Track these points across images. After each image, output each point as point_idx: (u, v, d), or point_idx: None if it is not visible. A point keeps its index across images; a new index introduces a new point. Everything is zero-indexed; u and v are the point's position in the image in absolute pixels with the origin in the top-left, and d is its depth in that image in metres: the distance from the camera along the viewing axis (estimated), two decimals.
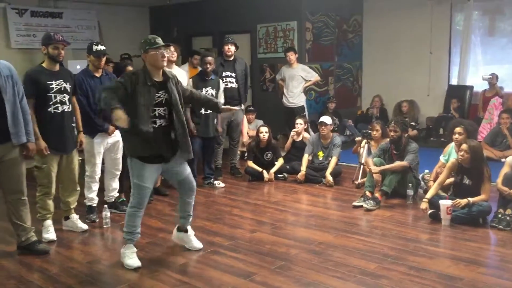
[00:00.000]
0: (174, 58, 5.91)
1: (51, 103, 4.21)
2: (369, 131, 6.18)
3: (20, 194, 3.94)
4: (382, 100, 9.24)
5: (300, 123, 6.80)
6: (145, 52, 3.67)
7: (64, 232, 4.58)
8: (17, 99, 3.81)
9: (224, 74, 6.43)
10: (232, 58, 6.56)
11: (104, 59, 4.71)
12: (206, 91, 5.87)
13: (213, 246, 4.18)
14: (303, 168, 6.28)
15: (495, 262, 3.87)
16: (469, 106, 8.51)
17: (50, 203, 4.41)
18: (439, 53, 8.79)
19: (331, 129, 6.56)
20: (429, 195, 4.78)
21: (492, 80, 8.07)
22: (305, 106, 7.72)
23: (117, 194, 5.17)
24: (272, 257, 3.92)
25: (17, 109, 3.79)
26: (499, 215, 4.47)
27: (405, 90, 9.05)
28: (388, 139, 5.64)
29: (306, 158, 6.38)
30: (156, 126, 3.69)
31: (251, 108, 8.14)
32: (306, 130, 7.17)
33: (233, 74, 6.49)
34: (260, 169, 6.43)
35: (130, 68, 6.41)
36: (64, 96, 4.29)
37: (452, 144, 5.37)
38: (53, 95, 4.22)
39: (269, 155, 6.56)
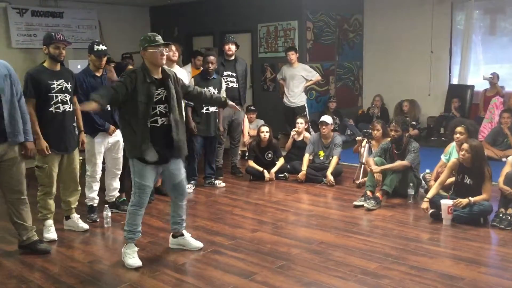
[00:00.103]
0: (176, 58, 5.91)
1: (52, 102, 4.21)
2: (370, 131, 6.18)
3: (19, 194, 3.94)
4: (383, 100, 9.24)
5: (300, 123, 6.80)
6: (144, 49, 3.67)
7: (65, 232, 4.59)
8: (15, 98, 3.81)
9: (225, 73, 6.43)
10: (233, 57, 6.56)
11: (105, 59, 4.71)
12: (208, 91, 5.85)
13: (214, 245, 4.18)
14: (304, 167, 6.28)
15: (496, 262, 3.87)
16: (470, 105, 8.51)
17: (51, 202, 4.42)
18: (440, 52, 8.79)
19: (332, 128, 6.56)
20: (430, 194, 4.78)
21: (493, 79, 8.07)
22: (306, 105, 7.72)
23: (118, 194, 5.17)
24: (273, 256, 3.92)
25: (14, 108, 3.78)
26: (500, 215, 4.47)
27: (406, 90, 9.05)
28: (389, 139, 5.63)
29: (307, 157, 6.37)
30: (158, 125, 3.69)
31: (252, 107, 8.14)
32: (307, 129, 7.17)
33: (234, 74, 6.49)
34: (261, 169, 6.43)
35: (131, 67, 6.41)
36: (66, 96, 4.29)
37: (453, 144, 5.36)
38: (54, 94, 4.22)
39: (270, 155, 6.56)
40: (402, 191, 5.35)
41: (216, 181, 6.24)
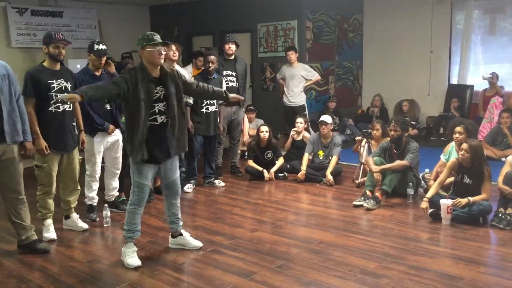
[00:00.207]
0: (176, 57, 5.91)
1: (52, 102, 4.21)
2: (370, 130, 6.18)
3: (17, 194, 3.94)
4: (382, 99, 9.24)
5: (300, 122, 6.80)
6: (142, 48, 3.66)
7: (65, 231, 4.59)
8: (14, 98, 3.81)
9: (224, 73, 6.43)
10: (232, 57, 6.55)
11: (104, 58, 4.71)
12: (210, 86, 5.86)
13: (214, 245, 4.18)
14: (304, 167, 6.28)
15: (495, 262, 3.87)
16: (470, 105, 8.51)
17: (51, 202, 4.42)
18: (439, 52, 8.79)
19: (332, 128, 6.56)
20: (429, 194, 4.78)
21: (493, 79, 8.07)
22: (306, 105, 7.72)
23: (117, 193, 5.17)
24: (272, 256, 3.92)
25: (13, 108, 3.78)
26: (500, 214, 4.47)
27: (405, 89, 9.05)
28: (388, 138, 5.63)
29: (306, 157, 6.38)
30: (158, 123, 3.70)
31: (252, 107, 8.14)
32: (307, 129, 7.17)
33: (234, 73, 6.49)
34: (260, 169, 6.43)
35: (130, 66, 6.42)
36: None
37: (453, 143, 5.37)
38: (54, 94, 4.21)
39: (269, 154, 6.56)
40: (402, 191, 5.35)
41: (216, 181, 6.24)
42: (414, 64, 9.02)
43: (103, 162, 4.96)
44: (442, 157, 5.50)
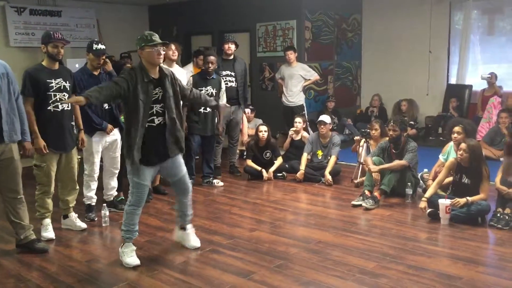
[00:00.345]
0: (175, 57, 5.91)
1: (50, 101, 4.20)
2: (368, 130, 6.18)
3: (16, 193, 3.93)
4: (381, 99, 9.25)
5: (299, 122, 6.80)
6: (141, 48, 3.66)
7: (63, 231, 4.58)
8: (13, 97, 3.80)
9: (223, 73, 6.42)
10: (232, 57, 6.55)
11: (103, 58, 4.70)
12: (207, 90, 5.87)
13: (212, 244, 4.18)
14: (302, 167, 6.28)
15: (493, 261, 3.88)
16: (468, 105, 8.52)
17: (49, 201, 4.41)
18: (438, 52, 8.79)
19: (330, 128, 6.56)
20: (428, 194, 4.78)
21: (491, 79, 8.08)
22: (304, 105, 7.72)
23: (116, 193, 5.17)
24: (271, 256, 3.92)
25: (12, 108, 3.78)
26: (498, 214, 4.48)
27: (404, 89, 9.05)
28: (387, 138, 5.64)
29: (305, 157, 6.38)
30: (155, 124, 3.70)
31: (251, 107, 8.14)
32: (305, 129, 7.17)
33: (233, 73, 6.48)
34: (259, 168, 6.43)
35: (128, 66, 6.42)
36: (64, 95, 4.28)
37: (451, 143, 5.37)
38: (52, 93, 4.21)
39: (268, 154, 6.56)
40: (400, 191, 5.36)
41: (214, 180, 6.24)
42: (413, 64, 9.02)
43: (101, 161, 4.95)
44: (441, 157, 5.51)
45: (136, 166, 3.67)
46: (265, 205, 5.37)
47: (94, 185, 4.86)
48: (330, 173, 6.10)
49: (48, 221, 4.42)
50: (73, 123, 4.44)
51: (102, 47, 4.66)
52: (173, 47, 5.78)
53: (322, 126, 6.34)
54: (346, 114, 9.16)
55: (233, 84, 6.48)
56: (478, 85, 8.46)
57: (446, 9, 8.67)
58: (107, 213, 4.77)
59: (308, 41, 8.59)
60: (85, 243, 4.37)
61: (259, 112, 8.16)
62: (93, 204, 4.91)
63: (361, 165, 6.05)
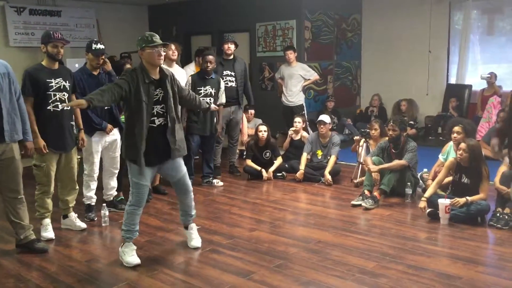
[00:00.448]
0: (175, 57, 5.91)
1: (50, 101, 4.20)
2: (368, 130, 6.18)
3: (16, 193, 3.93)
4: (381, 99, 9.25)
5: (298, 122, 6.80)
6: (141, 49, 3.66)
7: (63, 231, 4.58)
8: (14, 97, 3.80)
9: (224, 73, 6.42)
10: (231, 57, 6.54)
11: (102, 58, 4.70)
12: (205, 90, 5.86)
13: (212, 244, 4.18)
14: (302, 167, 6.28)
15: (493, 261, 3.88)
16: (468, 105, 8.52)
17: (49, 201, 4.41)
18: (438, 52, 8.80)
19: (330, 128, 6.56)
20: (427, 194, 4.79)
21: (491, 79, 8.08)
22: (304, 104, 7.72)
23: (116, 193, 5.17)
24: (271, 255, 3.92)
25: (13, 107, 3.78)
26: (498, 214, 4.48)
27: (404, 89, 9.05)
28: (386, 138, 5.64)
29: (305, 157, 6.38)
30: (156, 125, 3.70)
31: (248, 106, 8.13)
32: (305, 129, 7.17)
33: (233, 73, 6.48)
34: (259, 168, 6.43)
35: (128, 66, 6.42)
36: (64, 94, 4.28)
37: (451, 143, 5.37)
38: (52, 93, 4.21)
39: (268, 154, 6.56)
40: (400, 191, 5.36)
41: (214, 180, 6.24)
42: (413, 64, 9.02)
43: (101, 161, 4.95)
44: (440, 157, 5.51)
45: (138, 168, 3.67)
46: (265, 205, 5.37)
47: (94, 185, 4.86)
48: (330, 173, 6.11)
49: (47, 221, 4.42)
50: (73, 123, 4.44)
51: (101, 47, 4.66)
52: (173, 47, 5.78)
53: (321, 126, 6.34)
54: (346, 114, 9.16)
55: (233, 84, 6.48)
56: (478, 85, 8.47)
57: (446, 9, 8.67)
58: (107, 213, 4.77)
59: (307, 41, 8.59)
60: (85, 243, 4.37)
61: (259, 112, 8.16)
62: (93, 204, 4.91)
63: (360, 165, 6.06)
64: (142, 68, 3.66)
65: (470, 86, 8.58)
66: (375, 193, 5.20)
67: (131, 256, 3.76)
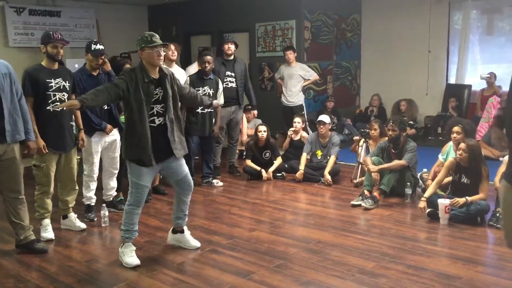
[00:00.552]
0: (175, 57, 5.91)
1: (50, 101, 4.20)
2: (368, 130, 6.19)
3: (17, 193, 3.94)
4: (380, 99, 9.25)
5: (298, 122, 6.80)
6: (141, 49, 3.66)
7: (63, 231, 4.58)
8: (15, 97, 3.80)
9: (226, 73, 6.42)
10: (232, 57, 6.54)
11: (102, 58, 4.70)
12: (204, 91, 5.86)
13: (212, 244, 4.18)
14: (302, 167, 6.28)
15: (493, 261, 3.88)
16: (467, 105, 8.52)
17: (49, 202, 4.41)
18: (437, 52, 8.80)
19: (330, 128, 6.56)
20: (427, 194, 4.79)
21: (490, 79, 8.08)
22: (304, 105, 7.72)
23: (115, 193, 5.17)
24: (270, 256, 3.92)
25: (14, 107, 3.78)
26: (497, 214, 4.48)
27: (403, 89, 9.05)
28: (386, 138, 5.64)
29: (304, 157, 6.38)
30: (155, 125, 3.70)
31: (249, 106, 8.13)
32: (305, 129, 7.17)
33: (233, 74, 6.49)
34: (258, 168, 6.43)
35: (128, 66, 6.41)
36: (64, 95, 4.28)
37: (451, 143, 5.38)
38: (52, 93, 4.21)
39: (267, 154, 6.56)
40: (400, 191, 5.36)
41: (214, 181, 6.24)
42: (412, 64, 9.03)
43: (101, 162, 4.95)
44: (440, 157, 5.51)
45: (138, 166, 3.66)
46: (265, 205, 5.37)
47: (94, 185, 4.86)
48: (330, 173, 6.11)
49: (47, 221, 4.42)
50: (72, 123, 4.44)
51: (101, 47, 4.66)
52: (172, 47, 5.78)
53: (321, 126, 6.34)
54: (346, 114, 9.16)
55: (233, 85, 6.48)
56: (477, 85, 8.47)
57: (445, 9, 8.68)
58: (107, 213, 4.77)
59: (307, 41, 8.59)
60: (85, 243, 4.37)
61: (258, 112, 8.14)
62: (93, 204, 4.91)
63: (360, 165, 6.06)
64: (141, 67, 3.66)
65: (470, 86, 8.58)
66: (375, 193, 5.21)
67: (131, 257, 3.76)
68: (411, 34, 8.97)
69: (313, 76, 7.77)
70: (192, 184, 4.03)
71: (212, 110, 5.99)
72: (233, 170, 6.82)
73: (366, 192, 5.24)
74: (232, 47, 6.49)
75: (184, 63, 7.91)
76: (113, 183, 5.06)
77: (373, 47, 9.53)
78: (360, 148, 6.16)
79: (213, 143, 6.26)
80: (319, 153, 6.43)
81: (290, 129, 6.87)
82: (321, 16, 8.80)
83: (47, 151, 4.20)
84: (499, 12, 8.54)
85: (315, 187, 6.08)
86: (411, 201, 5.27)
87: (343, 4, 9.26)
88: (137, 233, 3.88)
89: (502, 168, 4.72)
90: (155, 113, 3.69)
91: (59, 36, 4.24)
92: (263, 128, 6.47)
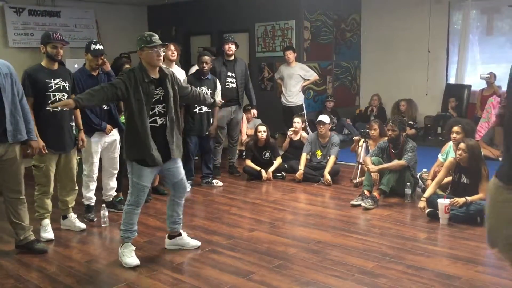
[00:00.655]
0: (174, 57, 5.91)
1: (50, 101, 4.20)
2: (367, 130, 6.19)
3: (18, 194, 3.94)
4: (380, 99, 9.25)
5: (298, 122, 6.80)
6: (140, 50, 3.66)
7: (62, 231, 4.58)
8: (16, 97, 3.80)
9: (227, 74, 6.42)
10: (232, 57, 6.54)
11: (101, 58, 4.70)
12: (201, 91, 5.84)
13: (211, 245, 4.18)
14: (301, 167, 6.28)
15: (493, 261, 3.87)
16: (467, 105, 8.52)
17: (48, 202, 4.41)
18: (437, 52, 8.80)
19: (329, 128, 6.56)
20: (427, 194, 4.79)
21: (490, 79, 8.08)
22: (304, 105, 7.73)
23: (115, 193, 5.17)
24: (270, 256, 3.92)
25: (16, 108, 3.78)
26: None
27: (403, 89, 9.06)
28: (386, 138, 5.64)
29: (304, 157, 6.38)
30: (157, 125, 3.70)
31: (249, 107, 8.13)
32: (304, 129, 7.17)
33: (233, 74, 6.49)
34: (258, 168, 6.43)
35: (127, 66, 6.40)
36: (63, 95, 4.28)
37: (450, 143, 5.38)
38: (51, 93, 4.21)
39: (267, 154, 6.56)
40: (399, 191, 5.36)
41: (214, 181, 6.24)
42: (412, 64, 9.02)
43: (100, 162, 4.95)
44: (440, 157, 5.51)
45: (139, 166, 3.67)
46: (264, 205, 5.37)
47: (93, 185, 4.86)
48: (329, 173, 6.11)
49: (47, 221, 4.42)
50: (72, 123, 4.44)
51: (100, 47, 4.66)
52: (172, 47, 5.78)
53: (321, 126, 6.34)
54: (345, 114, 9.16)
55: (234, 85, 6.49)
56: (477, 85, 8.47)
57: (445, 9, 8.68)
58: (106, 213, 4.77)
59: (307, 41, 8.59)
60: (84, 243, 4.37)
61: (258, 112, 8.14)
62: (92, 204, 4.91)
63: (360, 165, 6.06)
64: (141, 68, 3.66)
65: (469, 86, 8.58)
66: (375, 193, 5.21)
67: (130, 257, 3.76)
68: (410, 34, 8.96)
69: (313, 76, 7.78)
70: (187, 187, 4.03)
71: (210, 110, 5.98)
72: (233, 170, 6.82)
73: (366, 192, 5.24)
74: (233, 47, 6.49)
75: (184, 64, 7.91)
76: (113, 183, 5.06)
77: (373, 47, 9.53)
78: (359, 148, 6.16)
79: (211, 143, 6.25)
80: (318, 153, 6.43)
81: (290, 129, 6.87)
82: (321, 16, 8.80)
83: (46, 151, 4.20)
84: (498, 12, 8.54)
85: (314, 187, 6.08)
86: (411, 201, 5.27)
87: (343, 4, 9.26)
88: (136, 233, 3.88)
89: None
90: (156, 113, 3.69)
91: (59, 36, 4.24)
92: (262, 128, 6.47)
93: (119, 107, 4.88)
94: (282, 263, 3.77)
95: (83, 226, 4.63)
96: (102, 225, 4.73)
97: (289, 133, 6.88)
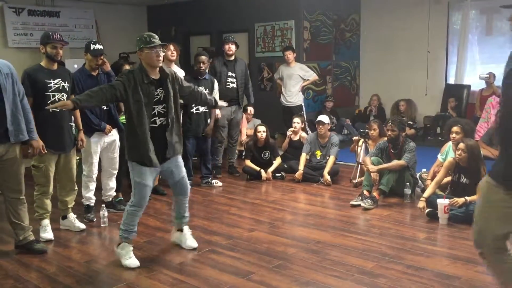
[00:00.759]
0: (174, 58, 5.90)
1: (49, 102, 4.19)
2: (367, 130, 6.19)
3: (19, 194, 3.94)
4: (379, 99, 9.25)
5: (297, 122, 6.80)
6: (140, 50, 3.65)
7: (62, 232, 4.58)
8: (17, 97, 3.80)
9: (228, 74, 6.42)
10: (233, 57, 6.54)
11: (101, 58, 4.70)
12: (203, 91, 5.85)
13: (211, 245, 4.18)
14: (301, 167, 6.28)
15: None
16: (467, 105, 8.53)
17: (48, 202, 4.41)
18: (436, 52, 8.80)
19: (329, 128, 6.56)
20: (426, 194, 4.79)
21: (490, 79, 8.09)
22: (303, 105, 7.73)
23: (115, 193, 5.17)
24: (270, 256, 3.92)
25: (16, 107, 3.78)
26: None
27: (402, 89, 9.06)
28: (385, 138, 5.64)
29: (304, 157, 6.38)
30: (157, 125, 3.70)
31: (247, 105, 8.13)
32: (304, 129, 7.17)
33: (233, 74, 6.49)
34: (258, 168, 6.43)
35: (127, 66, 6.40)
36: (63, 95, 4.28)
37: (450, 143, 5.38)
38: (51, 94, 4.21)
39: (267, 154, 6.56)
40: (399, 191, 5.36)
41: (213, 181, 6.24)
42: (411, 64, 9.03)
43: (100, 162, 4.95)
44: (439, 157, 5.51)
45: (139, 166, 3.66)
46: (264, 205, 5.38)
47: (93, 185, 4.86)
48: (329, 173, 6.11)
49: (46, 221, 4.42)
50: (72, 123, 4.44)
51: (100, 47, 4.66)
52: (171, 47, 5.77)
53: (320, 126, 6.35)
54: (345, 114, 9.16)
55: (234, 85, 6.49)
56: (477, 85, 8.47)
57: (444, 9, 8.68)
58: (106, 213, 4.77)
59: (306, 41, 8.59)
60: (84, 243, 4.37)
61: (258, 112, 8.15)
62: (92, 204, 4.90)
63: (359, 165, 6.06)
64: (141, 69, 3.66)
65: (469, 86, 8.58)
66: (374, 193, 5.21)
67: (129, 259, 3.75)
68: (410, 34, 8.97)
69: (313, 76, 7.78)
70: (188, 187, 4.04)
71: (207, 111, 5.98)
72: (232, 170, 6.82)
73: (365, 192, 5.25)
74: (233, 47, 6.49)
75: (184, 64, 7.91)
76: (112, 183, 5.06)
77: (372, 47, 9.54)
78: (359, 148, 6.16)
79: (209, 143, 6.24)
80: (318, 153, 6.44)
81: (290, 129, 6.87)
82: (320, 16, 8.81)
83: (46, 151, 4.20)
84: (498, 12, 8.53)
85: (314, 187, 6.08)
86: (410, 201, 5.27)
87: (342, 4, 9.26)
88: (136, 234, 3.87)
89: None
90: (156, 113, 3.69)
91: (59, 36, 4.23)
92: (262, 128, 6.47)
93: (119, 108, 4.88)
94: (281, 263, 3.77)
95: (82, 226, 4.63)
96: (102, 225, 4.73)
97: (288, 133, 6.88)
